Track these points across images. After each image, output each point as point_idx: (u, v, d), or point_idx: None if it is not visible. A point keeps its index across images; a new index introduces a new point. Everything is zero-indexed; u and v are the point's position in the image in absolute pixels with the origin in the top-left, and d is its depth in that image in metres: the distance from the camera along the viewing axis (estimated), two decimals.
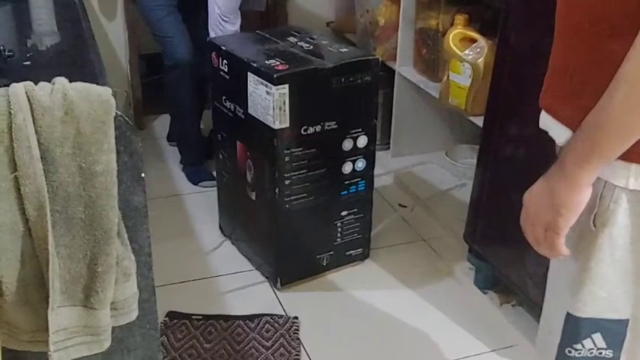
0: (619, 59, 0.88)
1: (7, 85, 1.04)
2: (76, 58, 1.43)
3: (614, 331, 1.07)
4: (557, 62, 1.05)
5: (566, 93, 1.01)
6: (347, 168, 2.28)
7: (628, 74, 0.87)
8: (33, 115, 1.02)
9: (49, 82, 1.07)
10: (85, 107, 1.04)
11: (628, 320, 1.06)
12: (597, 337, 1.08)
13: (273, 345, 2.06)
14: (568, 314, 1.08)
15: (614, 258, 1.02)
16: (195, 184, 2.98)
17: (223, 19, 2.67)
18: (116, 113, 1.08)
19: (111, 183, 1.08)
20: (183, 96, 2.93)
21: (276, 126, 2.07)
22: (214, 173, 2.75)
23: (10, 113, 1.01)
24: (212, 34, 2.72)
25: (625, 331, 1.07)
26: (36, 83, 1.06)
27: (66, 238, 1.09)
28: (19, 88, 1.03)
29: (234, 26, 2.71)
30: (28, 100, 1.02)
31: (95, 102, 1.05)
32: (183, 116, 3.02)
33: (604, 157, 0.93)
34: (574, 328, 1.08)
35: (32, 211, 1.04)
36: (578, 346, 1.09)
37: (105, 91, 1.07)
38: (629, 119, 0.89)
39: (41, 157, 1.03)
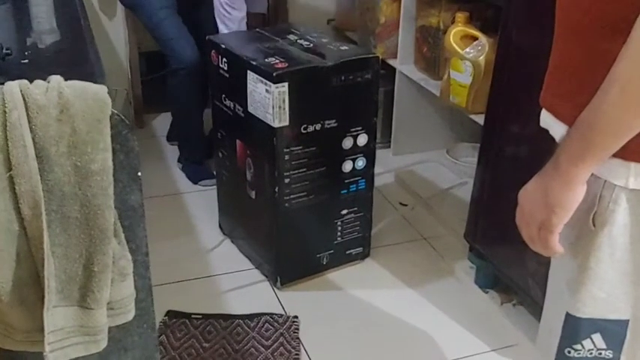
0: (616, 58, 0.88)
1: (2, 84, 1.03)
2: (75, 57, 1.42)
3: (614, 332, 1.06)
4: (557, 60, 1.05)
5: (566, 91, 1.01)
6: (347, 166, 2.27)
7: (621, 73, 0.87)
8: (28, 114, 1.01)
9: (46, 80, 1.06)
10: (81, 105, 1.03)
11: (628, 321, 1.06)
12: (597, 337, 1.07)
13: (272, 344, 2.05)
14: (567, 314, 1.07)
15: (613, 258, 1.01)
16: (195, 183, 2.97)
17: (230, 6, 2.65)
18: (112, 111, 1.07)
19: (107, 182, 1.07)
20: (188, 97, 2.91)
21: (276, 124, 2.06)
22: (214, 172, 2.75)
23: (4, 111, 1.00)
24: (220, 26, 2.71)
25: (625, 332, 1.06)
26: (32, 81, 1.05)
27: (61, 237, 1.08)
28: (13, 87, 1.02)
29: (240, 12, 2.70)
30: (23, 98, 1.01)
31: (91, 100, 1.04)
32: (188, 117, 3.00)
33: (598, 155, 0.93)
34: (573, 329, 1.08)
35: (27, 211, 1.03)
36: (578, 347, 1.09)
37: (101, 90, 1.06)
38: (622, 118, 0.89)
39: (36, 156, 1.03)
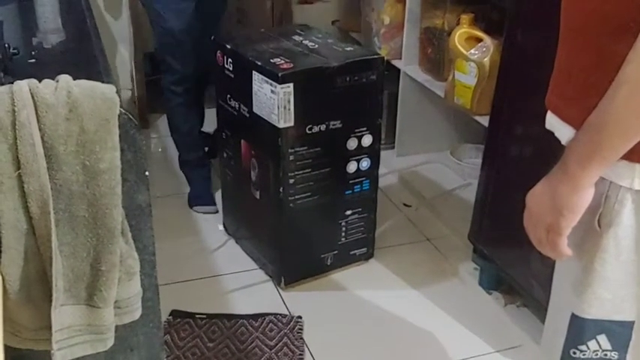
0: (623, 59, 0.88)
1: (12, 83, 1.04)
2: (81, 56, 1.42)
3: (620, 333, 1.07)
4: (563, 62, 1.05)
5: (572, 93, 1.01)
6: (351, 167, 2.27)
7: (629, 76, 0.87)
8: (37, 113, 1.02)
9: (54, 79, 1.07)
10: (89, 105, 1.04)
11: (633, 322, 1.06)
12: (602, 338, 1.07)
13: (276, 344, 2.06)
14: (573, 315, 1.08)
15: (619, 259, 1.01)
16: (191, 207, 2.82)
17: None
18: (120, 111, 1.08)
19: (115, 181, 1.08)
20: (175, 86, 2.70)
21: (281, 125, 2.07)
22: (214, 198, 2.77)
23: (14, 110, 1.01)
24: None
25: (630, 333, 1.06)
26: (40, 81, 1.06)
27: (69, 236, 1.09)
28: (23, 86, 1.03)
29: None
30: (32, 97, 1.02)
31: (99, 99, 1.05)
32: (176, 110, 2.80)
33: (606, 158, 0.93)
34: (579, 330, 1.08)
35: (36, 209, 1.04)
36: (583, 348, 1.09)
37: (109, 89, 1.07)
38: (630, 121, 0.89)
39: (45, 155, 1.03)
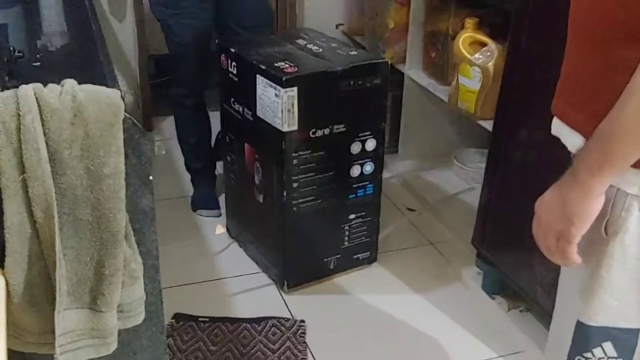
0: (633, 66, 0.88)
1: (17, 87, 1.04)
2: (86, 59, 1.42)
3: (625, 340, 1.06)
4: (570, 68, 1.04)
5: (579, 99, 1.01)
6: (355, 171, 2.27)
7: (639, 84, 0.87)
8: (42, 117, 1.02)
9: (59, 83, 1.07)
10: (94, 109, 1.04)
11: (639, 329, 1.06)
12: (608, 345, 1.07)
13: (279, 348, 2.06)
14: (578, 322, 1.07)
15: (625, 266, 1.01)
16: (194, 210, 2.82)
17: None
18: (125, 116, 1.08)
19: (119, 185, 1.08)
20: (184, 85, 2.67)
21: (285, 129, 2.07)
22: (218, 202, 2.77)
23: (18, 115, 1.01)
24: None
25: (636, 340, 1.06)
26: (45, 84, 1.06)
27: (73, 240, 1.09)
28: (28, 90, 1.03)
29: None
30: (37, 101, 1.02)
31: (104, 104, 1.05)
32: (181, 113, 2.77)
33: (617, 166, 0.93)
34: (584, 337, 1.08)
35: (40, 213, 1.04)
36: (588, 355, 1.08)
37: (114, 94, 1.07)
38: None
39: (49, 159, 1.03)
